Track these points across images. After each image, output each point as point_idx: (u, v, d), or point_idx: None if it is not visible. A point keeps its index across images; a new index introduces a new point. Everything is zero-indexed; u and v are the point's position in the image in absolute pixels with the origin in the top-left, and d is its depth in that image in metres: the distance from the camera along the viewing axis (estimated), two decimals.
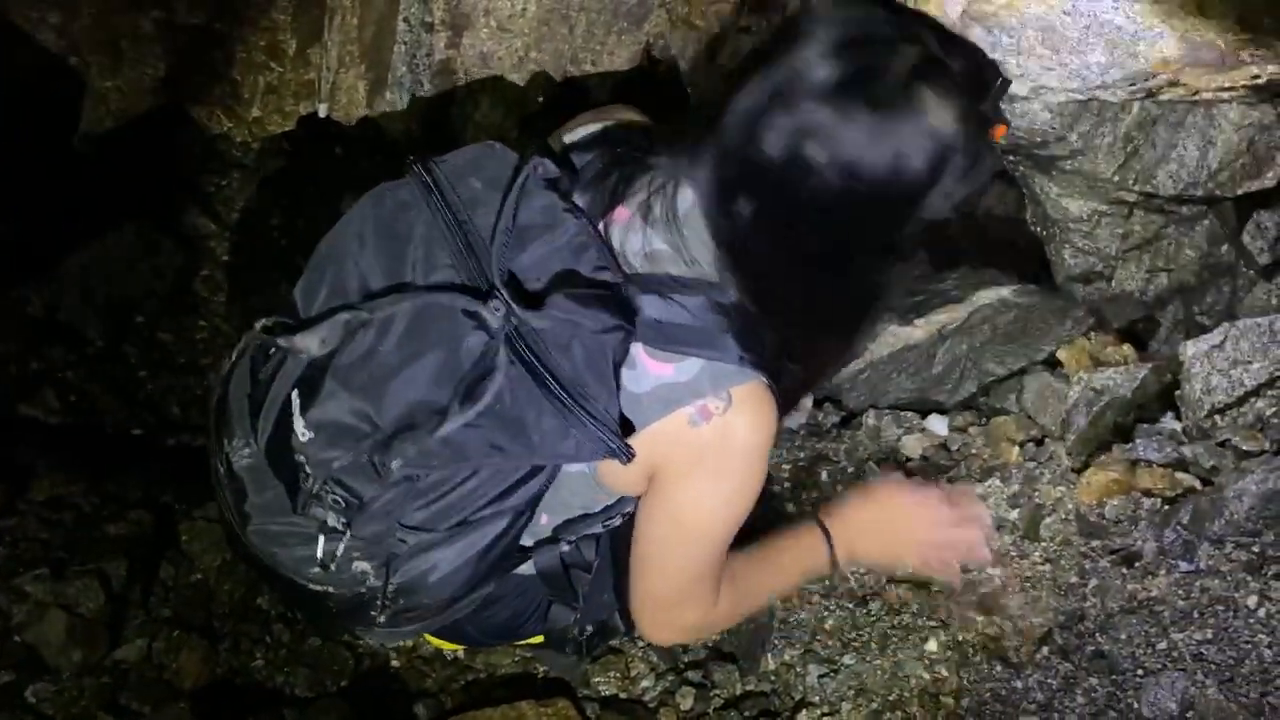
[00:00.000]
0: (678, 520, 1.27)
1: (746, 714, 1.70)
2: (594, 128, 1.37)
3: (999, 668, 1.64)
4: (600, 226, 1.23)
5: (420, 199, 1.19)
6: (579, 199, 1.25)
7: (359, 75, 1.69)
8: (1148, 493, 1.75)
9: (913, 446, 1.99)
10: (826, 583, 1.82)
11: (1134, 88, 1.53)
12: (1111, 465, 1.80)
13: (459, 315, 1.13)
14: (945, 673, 1.65)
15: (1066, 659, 1.61)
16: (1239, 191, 1.93)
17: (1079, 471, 1.83)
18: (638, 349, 1.18)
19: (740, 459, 1.23)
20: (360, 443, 1.17)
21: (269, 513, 1.27)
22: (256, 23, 1.55)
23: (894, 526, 1.45)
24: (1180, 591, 1.65)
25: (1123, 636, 1.61)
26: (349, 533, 1.21)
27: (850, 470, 2.02)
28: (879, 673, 1.67)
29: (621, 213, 1.23)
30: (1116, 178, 1.89)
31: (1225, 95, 1.58)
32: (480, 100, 1.72)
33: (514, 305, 1.11)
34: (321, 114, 1.76)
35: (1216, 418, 1.83)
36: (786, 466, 2.09)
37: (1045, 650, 1.63)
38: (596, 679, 1.84)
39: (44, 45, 1.40)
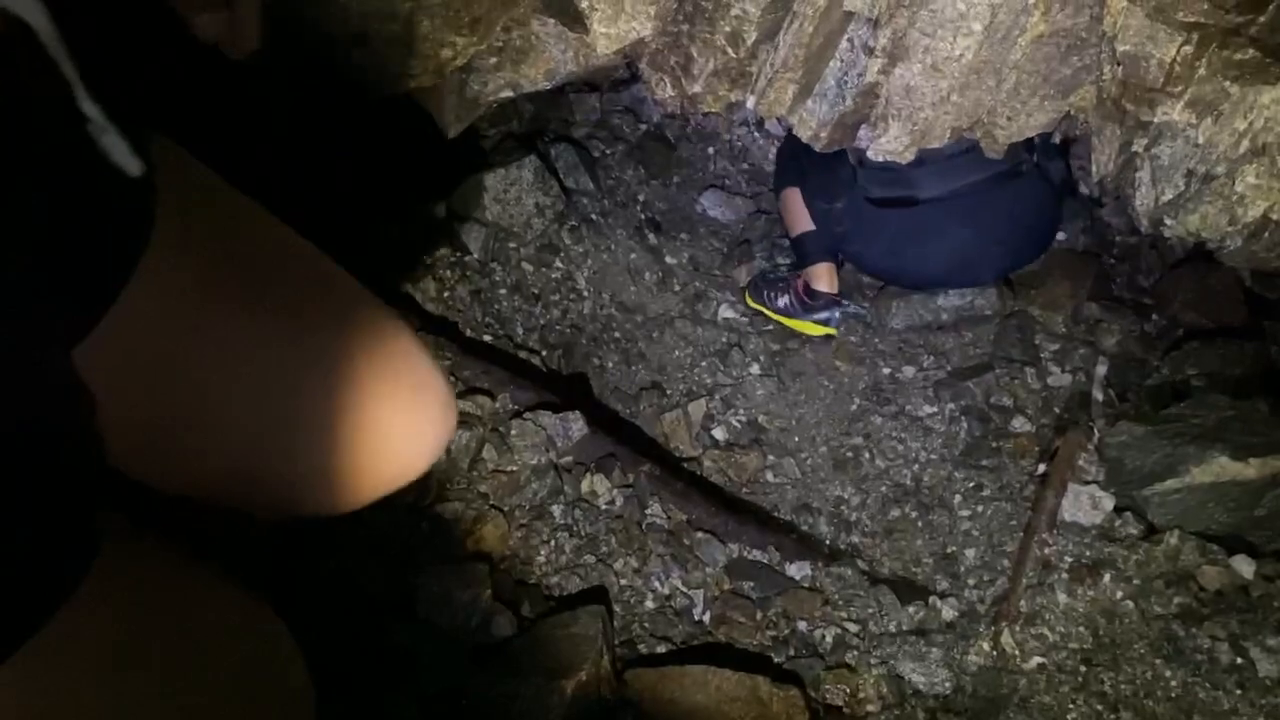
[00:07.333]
0: None
1: None
2: None
3: None
4: None
5: None
6: None
7: (792, 79, 1.86)
8: None
9: (1211, 579, 1.92)
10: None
11: None
12: None
13: None
14: None
15: None
16: None
17: None
18: None
19: None
20: None
21: None
22: (729, 9, 1.73)
23: None
24: None
25: None
26: None
27: (1136, 583, 1.97)
28: None
29: None
30: None
31: None
32: (890, 126, 1.83)
33: None
34: (749, 106, 1.94)
35: None
36: (1069, 558, 2.06)
37: None
38: (826, 686, 1.90)
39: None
